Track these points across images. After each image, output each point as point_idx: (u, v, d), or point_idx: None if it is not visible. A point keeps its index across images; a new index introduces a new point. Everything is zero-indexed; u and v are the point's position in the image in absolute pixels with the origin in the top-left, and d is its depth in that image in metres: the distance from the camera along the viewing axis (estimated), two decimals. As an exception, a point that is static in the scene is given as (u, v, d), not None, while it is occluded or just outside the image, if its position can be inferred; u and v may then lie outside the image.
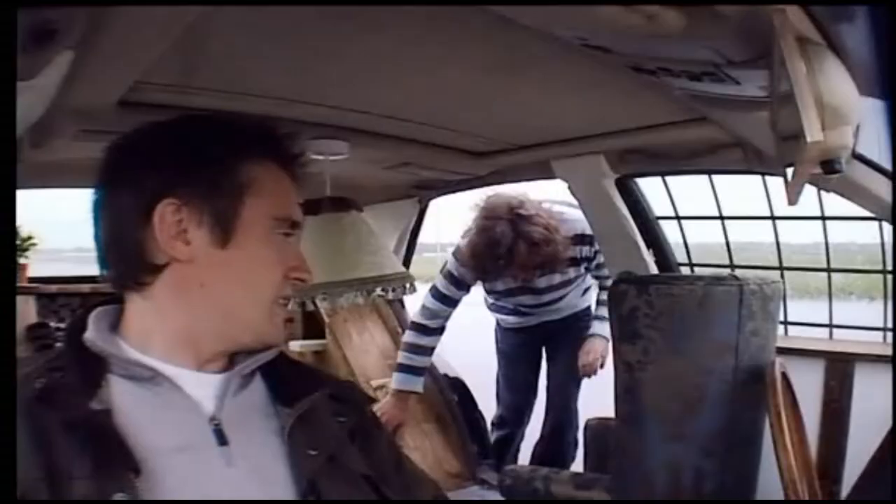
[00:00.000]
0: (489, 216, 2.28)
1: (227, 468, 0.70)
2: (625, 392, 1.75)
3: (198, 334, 0.75)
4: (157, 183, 0.73)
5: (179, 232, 0.73)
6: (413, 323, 2.54)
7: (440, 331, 2.53)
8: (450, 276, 2.46)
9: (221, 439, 0.72)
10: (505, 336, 2.90)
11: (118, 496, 0.62)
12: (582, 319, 2.72)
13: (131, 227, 0.73)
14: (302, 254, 0.80)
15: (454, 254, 2.48)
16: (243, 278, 0.75)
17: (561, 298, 2.65)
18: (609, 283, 2.13)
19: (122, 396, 0.70)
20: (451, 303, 2.50)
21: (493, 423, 2.90)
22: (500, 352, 2.93)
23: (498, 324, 2.92)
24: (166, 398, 0.72)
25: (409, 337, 2.53)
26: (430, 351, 2.53)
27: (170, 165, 0.74)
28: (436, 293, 2.49)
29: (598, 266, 2.49)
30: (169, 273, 0.74)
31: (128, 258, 0.74)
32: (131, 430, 0.67)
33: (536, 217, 2.28)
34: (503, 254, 2.24)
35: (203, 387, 0.74)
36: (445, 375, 2.90)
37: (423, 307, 2.52)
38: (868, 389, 2.02)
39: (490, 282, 2.57)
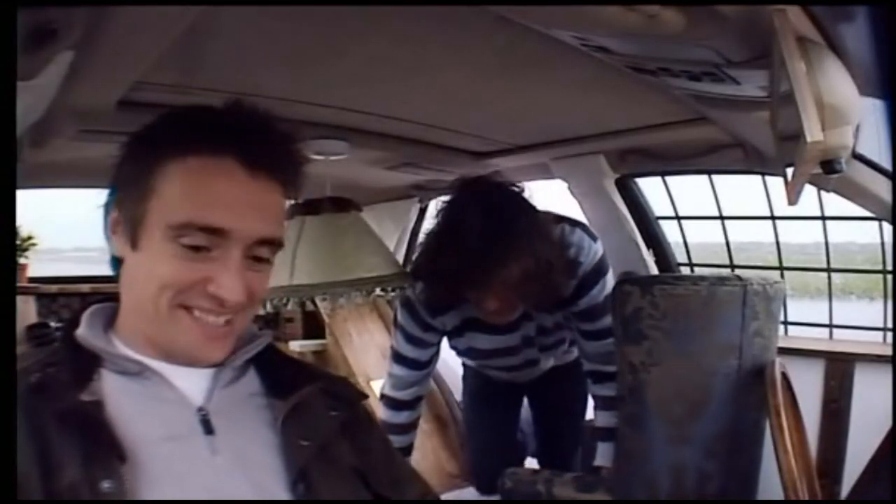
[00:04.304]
0: (464, 191, 1.57)
1: (212, 456, 0.72)
2: (629, 393, 1.74)
3: (148, 337, 0.75)
4: (114, 180, 0.78)
5: (115, 229, 0.76)
6: (383, 396, 1.95)
7: (419, 402, 1.95)
8: (402, 329, 1.82)
9: (208, 429, 0.73)
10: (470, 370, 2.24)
11: (105, 484, 0.63)
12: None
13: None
14: (235, 268, 0.72)
15: (412, 272, 1.77)
16: (143, 285, 0.73)
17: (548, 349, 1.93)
18: (610, 366, 1.78)
19: (112, 389, 0.72)
20: (421, 365, 1.87)
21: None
22: (464, 381, 2.29)
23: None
24: (155, 391, 0.73)
25: (383, 415, 1.94)
26: (412, 427, 1.94)
27: (119, 165, 0.77)
28: (397, 356, 1.87)
29: (597, 333, 1.78)
30: (122, 270, 0.77)
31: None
32: (120, 421, 0.69)
33: (546, 214, 1.62)
34: (478, 252, 1.44)
35: (192, 380, 0.75)
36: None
37: (389, 375, 1.92)
38: (868, 389, 2.02)
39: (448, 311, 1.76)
